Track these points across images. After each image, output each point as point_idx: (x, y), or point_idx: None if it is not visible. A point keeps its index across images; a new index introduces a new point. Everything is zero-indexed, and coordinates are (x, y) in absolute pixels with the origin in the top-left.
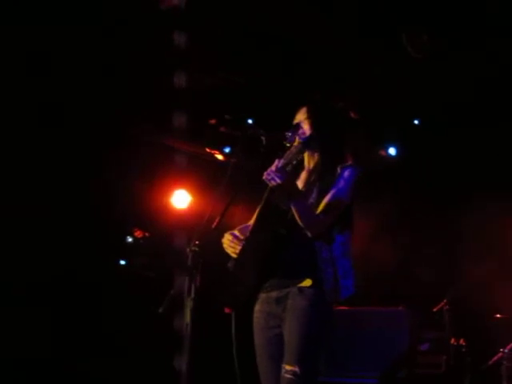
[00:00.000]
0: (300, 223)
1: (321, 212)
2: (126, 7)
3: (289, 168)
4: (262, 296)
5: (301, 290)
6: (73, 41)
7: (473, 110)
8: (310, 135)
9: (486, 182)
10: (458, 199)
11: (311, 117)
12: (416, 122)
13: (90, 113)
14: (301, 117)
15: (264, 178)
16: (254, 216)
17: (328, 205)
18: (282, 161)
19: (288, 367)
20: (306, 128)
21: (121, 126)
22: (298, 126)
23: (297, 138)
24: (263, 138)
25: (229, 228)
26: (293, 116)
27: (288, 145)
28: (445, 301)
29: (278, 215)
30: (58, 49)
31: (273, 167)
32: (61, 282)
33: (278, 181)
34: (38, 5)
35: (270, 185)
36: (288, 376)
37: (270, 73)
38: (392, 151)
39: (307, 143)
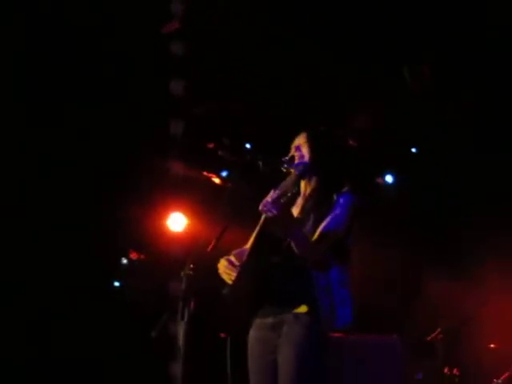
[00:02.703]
0: (296, 251)
1: (316, 240)
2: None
3: (284, 199)
4: (257, 322)
5: (296, 316)
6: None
7: (472, 137)
8: (307, 164)
9: (486, 209)
10: (457, 226)
11: (311, 142)
12: (414, 150)
13: (91, 135)
14: (300, 141)
15: (260, 208)
16: (250, 242)
17: (324, 233)
18: (277, 191)
19: None
20: (305, 152)
21: (118, 149)
22: (294, 155)
23: (293, 170)
24: (260, 164)
25: (224, 252)
26: (290, 142)
27: (285, 171)
28: (439, 330)
29: (274, 242)
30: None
31: (268, 198)
32: (53, 301)
33: (274, 212)
34: None
35: (266, 216)
36: None
37: (269, 98)
38: (389, 179)
39: (303, 173)
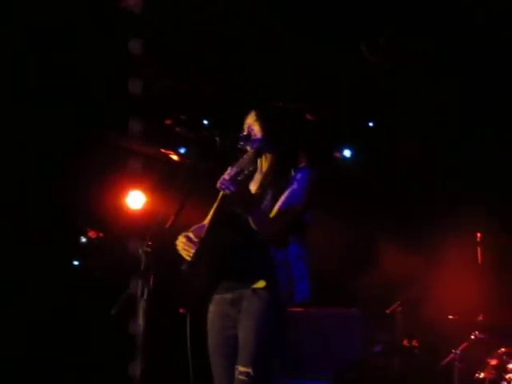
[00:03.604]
0: (254, 227)
1: (275, 216)
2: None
3: (241, 176)
4: (217, 297)
5: (255, 291)
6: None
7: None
8: (260, 139)
9: (447, 183)
10: (413, 202)
11: (260, 119)
12: (371, 124)
13: (47, 112)
14: (250, 119)
15: (217, 186)
16: (208, 218)
17: (281, 208)
18: (234, 168)
19: (242, 369)
20: (257, 130)
21: (77, 127)
22: (250, 133)
23: (249, 147)
24: (217, 139)
25: (183, 228)
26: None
27: (241, 147)
28: (398, 302)
29: (232, 218)
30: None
31: (225, 175)
32: (13, 281)
33: (231, 189)
34: None
35: (224, 192)
36: (241, 377)
37: (225, 74)
38: (347, 153)
39: (258, 150)
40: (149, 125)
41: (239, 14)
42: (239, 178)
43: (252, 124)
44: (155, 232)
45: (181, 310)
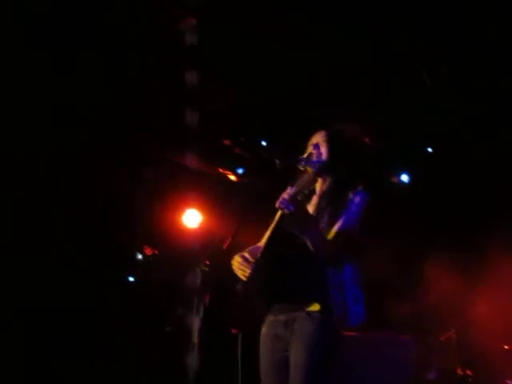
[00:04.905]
0: (311, 248)
1: (332, 238)
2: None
3: (300, 196)
4: (270, 319)
5: (309, 314)
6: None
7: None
8: (325, 162)
9: (501, 209)
10: (469, 226)
11: (329, 141)
12: (429, 149)
13: (104, 129)
14: (318, 139)
15: (276, 205)
16: (264, 238)
17: (339, 230)
18: (294, 188)
19: None
20: (323, 151)
21: (134, 144)
22: (311, 153)
23: (309, 167)
24: (277, 161)
25: (239, 248)
26: (306, 140)
27: (302, 168)
28: (453, 330)
29: (289, 239)
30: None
31: (285, 195)
32: (69, 296)
33: (290, 209)
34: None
35: (282, 212)
36: None
37: (285, 95)
38: (405, 178)
39: (320, 171)
40: (206, 144)
41: (300, 39)
42: (298, 198)
43: (320, 144)
44: (213, 251)
45: (233, 331)
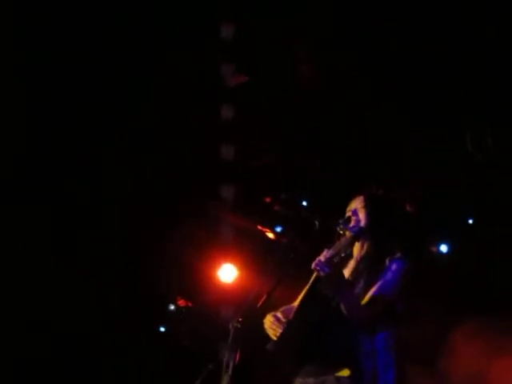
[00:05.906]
0: (344, 312)
1: (366, 304)
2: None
3: (337, 259)
4: (299, 381)
5: (338, 379)
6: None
7: None
8: (363, 228)
9: None
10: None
11: (368, 207)
12: (470, 221)
13: (145, 181)
14: (357, 205)
15: (312, 266)
16: (298, 300)
17: (374, 297)
18: (330, 251)
19: None
20: (362, 217)
21: (174, 195)
22: (350, 217)
23: (348, 231)
24: (316, 223)
25: (272, 307)
26: (346, 203)
27: (340, 231)
28: None
29: (323, 302)
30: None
31: (321, 257)
32: (101, 344)
33: (326, 271)
34: None
35: (318, 274)
36: None
37: (326, 156)
38: (444, 248)
39: (358, 236)
40: (245, 198)
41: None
42: (335, 261)
43: (358, 209)
44: (246, 308)
45: None
